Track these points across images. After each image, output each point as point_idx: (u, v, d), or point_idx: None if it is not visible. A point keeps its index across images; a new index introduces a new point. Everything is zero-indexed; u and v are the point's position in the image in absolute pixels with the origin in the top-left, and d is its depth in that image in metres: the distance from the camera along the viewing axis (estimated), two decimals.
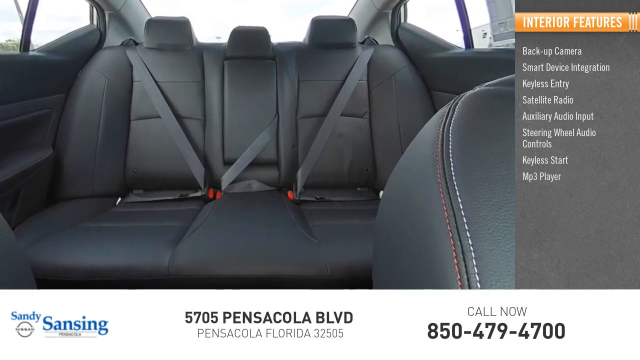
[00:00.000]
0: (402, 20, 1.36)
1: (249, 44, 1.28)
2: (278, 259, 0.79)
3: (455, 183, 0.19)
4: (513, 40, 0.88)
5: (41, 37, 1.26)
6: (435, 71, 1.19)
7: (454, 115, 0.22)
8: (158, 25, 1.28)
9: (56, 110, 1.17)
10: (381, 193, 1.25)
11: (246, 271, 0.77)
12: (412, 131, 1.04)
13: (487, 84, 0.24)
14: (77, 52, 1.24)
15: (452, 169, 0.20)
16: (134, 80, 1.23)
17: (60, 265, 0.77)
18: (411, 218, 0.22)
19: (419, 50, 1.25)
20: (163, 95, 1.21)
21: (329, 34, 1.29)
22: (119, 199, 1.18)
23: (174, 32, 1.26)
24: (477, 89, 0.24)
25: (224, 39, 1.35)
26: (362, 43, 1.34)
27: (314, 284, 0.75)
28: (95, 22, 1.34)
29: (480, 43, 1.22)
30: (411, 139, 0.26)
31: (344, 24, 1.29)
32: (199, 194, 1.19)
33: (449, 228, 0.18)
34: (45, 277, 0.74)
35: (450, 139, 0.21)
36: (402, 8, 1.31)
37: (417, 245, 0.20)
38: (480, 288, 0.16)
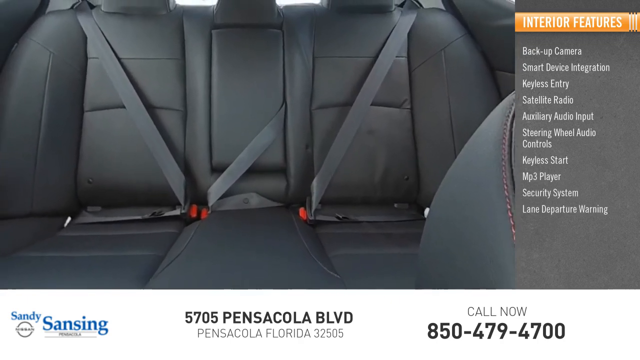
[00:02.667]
0: None
1: (247, 8, 1.37)
2: None
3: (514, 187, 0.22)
4: None
5: None
6: (500, 45, 1.23)
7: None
8: None
9: None
10: (426, 211, 1.30)
11: None
12: (469, 126, 1.10)
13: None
14: (9, 18, 1.24)
15: (512, 175, 0.22)
16: (88, 57, 1.30)
17: None
18: (468, 246, 0.24)
19: (480, 16, 1.31)
20: (129, 77, 1.29)
21: None
22: (68, 219, 1.25)
23: None
24: None
25: (212, 1, 1.44)
26: (401, 6, 1.43)
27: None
28: None
29: None
30: (468, 137, 0.28)
31: None
32: (177, 212, 1.27)
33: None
34: None
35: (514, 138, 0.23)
36: None
37: (476, 282, 0.23)
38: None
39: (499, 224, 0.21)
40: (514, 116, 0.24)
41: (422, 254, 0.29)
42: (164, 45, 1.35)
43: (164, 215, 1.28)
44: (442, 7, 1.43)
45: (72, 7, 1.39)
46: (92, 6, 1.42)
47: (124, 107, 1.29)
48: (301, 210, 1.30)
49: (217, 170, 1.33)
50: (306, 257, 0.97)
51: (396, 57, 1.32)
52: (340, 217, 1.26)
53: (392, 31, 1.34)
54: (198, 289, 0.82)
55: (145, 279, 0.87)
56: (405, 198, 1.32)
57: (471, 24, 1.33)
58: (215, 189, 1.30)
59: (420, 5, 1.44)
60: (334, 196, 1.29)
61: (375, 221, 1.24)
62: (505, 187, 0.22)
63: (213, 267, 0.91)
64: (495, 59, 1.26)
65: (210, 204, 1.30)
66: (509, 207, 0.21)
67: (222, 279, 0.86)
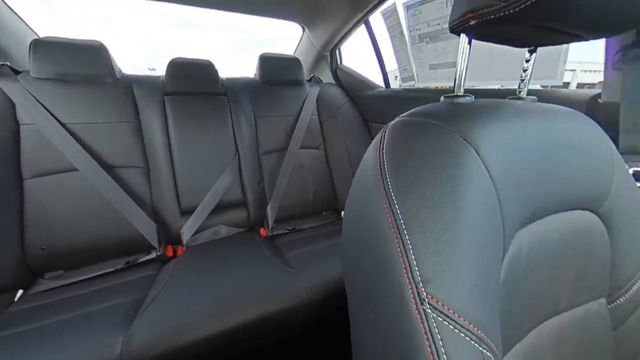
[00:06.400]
0: (339, 62, 1.45)
1: (195, 78, 1.08)
2: (259, 299, 0.71)
3: (392, 194, 0.23)
4: (413, 82, 1.15)
5: None
6: (367, 106, 1.32)
7: (384, 141, 0.27)
8: (55, 49, 0.89)
9: None
10: (342, 213, 1.34)
11: (225, 325, 0.65)
12: (358, 156, 1.18)
13: (402, 115, 0.30)
14: None
15: (389, 183, 0.24)
16: (20, 123, 0.84)
17: None
18: (367, 228, 0.25)
19: (354, 89, 1.36)
20: (78, 141, 0.88)
21: (279, 72, 1.25)
22: (20, 292, 0.79)
23: (82, 59, 0.91)
24: (397, 119, 0.29)
25: (160, 71, 1.10)
26: (309, 81, 1.37)
27: (297, 312, 0.73)
28: None
29: (394, 84, 1.48)
30: (359, 163, 0.30)
31: (292, 62, 1.27)
32: (153, 255, 0.94)
33: (393, 229, 0.22)
34: None
35: (385, 160, 0.25)
36: (337, 51, 1.41)
37: (374, 249, 0.24)
38: (418, 270, 0.21)
39: (380, 210, 0.24)
40: (381, 148, 0.27)
41: (343, 240, 0.29)
42: (114, 111, 0.95)
43: (139, 262, 0.92)
44: (333, 82, 1.46)
45: None
46: (16, 71, 0.89)
47: (75, 170, 0.87)
48: (261, 229, 1.13)
49: (187, 212, 1.02)
50: (269, 262, 0.86)
51: (311, 115, 1.25)
52: (290, 229, 1.14)
53: (306, 98, 1.27)
54: (182, 315, 0.66)
55: (128, 321, 0.65)
56: (329, 207, 1.28)
57: (351, 93, 1.38)
58: (188, 228, 1.00)
59: (321, 81, 1.41)
60: (283, 215, 1.16)
61: (313, 226, 1.17)
62: (381, 189, 0.24)
63: (193, 293, 0.72)
64: (366, 114, 1.33)
65: (184, 242, 1.00)
66: (383, 200, 0.24)
67: (203, 299, 0.70)
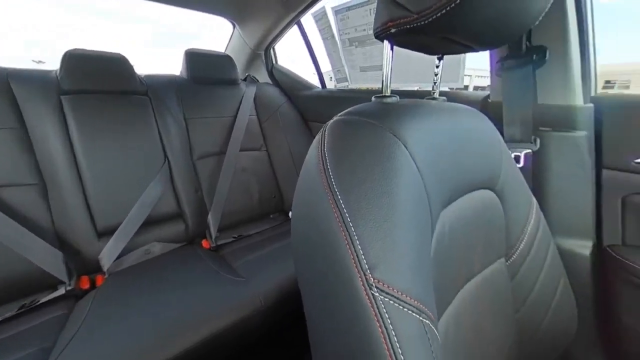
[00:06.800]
0: (274, 62, 1.35)
1: (103, 74, 0.87)
2: (208, 316, 0.63)
3: (336, 190, 0.24)
4: (347, 83, 1.16)
5: None
6: (306, 105, 1.26)
7: (325, 140, 0.27)
8: None
9: None
10: (290, 214, 1.27)
11: (170, 354, 0.55)
12: (302, 156, 1.13)
13: (339, 114, 0.30)
14: None
15: (332, 180, 0.24)
16: None
17: None
18: (316, 225, 0.25)
19: (291, 89, 1.29)
20: None
21: (210, 69, 1.10)
22: None
23: None
24: (335, 118, 0.30)
25: (51, 64, 0.85)
26: (244, 80, 1.24)
27: (252, 321, 0.67)
28: None
29: (329, 84, 1.47)
30: (302, 162, 0.30)
31: (224, 60, 1.13)
32: (61, 291, 0.73)
33: (339, 223, 0.23)
34: None
35: (327, 158, 0.26)
36: (272, 50, 1.30)
37: (324, 245, 0.24)
38: (365, 258, 0.21)
39: (325, 205, 0.24)
40: (322, 146, 0.27)
41: (293, 240, 0.29)
42: None
43: (40, 302, 0.69)
44: (269, 81, 1.36)
45: None
46: None
47: None
48: (203, 241, 0.97)
49: (106, 233, 0.81)
50: (216, 274, 0.76)
51: (249, 116, 1.13)
52: (236, 236, 1.01)
53: (242, 98, 1.14)
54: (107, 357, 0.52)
55: None
56: (276, 209, 1.18)
57: (289, 93, 1.31)
58: (108, 252, 0.79)
59: (257, 80, 1.29)
60: (227, 222, 1.02)
61: (260, 231, 1.07)
62: (325, 185, 0.24)
63: (119, 329, 0.58)
64: (305, 114, 1.27)
65: (105, 269, 0.79)
66: (328, 196, 0.24)
67: (133, 333, 0.57)
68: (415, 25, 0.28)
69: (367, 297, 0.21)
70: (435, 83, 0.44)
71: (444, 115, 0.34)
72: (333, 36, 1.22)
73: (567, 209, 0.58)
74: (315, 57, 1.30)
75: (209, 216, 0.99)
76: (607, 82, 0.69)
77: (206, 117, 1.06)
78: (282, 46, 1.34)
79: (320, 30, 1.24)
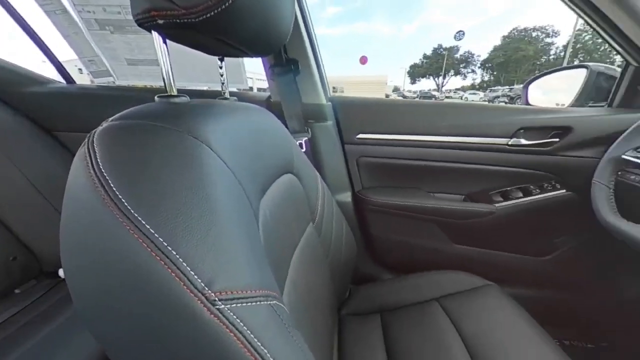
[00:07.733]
0: None
1: None
2: None
3: (136, 215, 0.19)
4: (112, 79, 1.00)
5: None
6: (43, 109, 0.87)
7: (96, 154, 0.21)
8: None
9: None
10: (60, 272, 0.86)
11: None
12: (48, 179, 0.79)
13: (111, 119, 0.24)
14: None
15: (126, 205, 0.19)
16: None
17: None
18: (114, 272, 0.19)
19: (7, 84, 0.83)
20: None
21: None
22: None
23: None
24: (106, 124, 0.23)
25: None
26: None
27: None
28: None
29: (81, 79, 1.08)
30: (56, 191, 0.29)
31: None
32: None
33: (152, 253, 0.18)
34: None
35: (106, 177, 0.20)
36: None
37: (136, 289, 0.19)
38: (198, 276, 0.19)
39: (128, 243, 0.19)
40: (94, 163, 0.21)
41: (80, 309, 0.22)
42: None
43: None
44: None
45: None
46: None
47: None
48: None
49: None
50: None
51: None
52: None
53: None
54: None
55: None
56: (25, 276, 0.75)
57: (1, 92, 0.82)
58: None
59: None
60: None
61: (7, 318, 0.66)
62: (116, 215, 0.19)
63: None
64: (46, 122, 0.87)
65: None
66: (128, 229, 0.19)
67: None
68: (185, 20, 0.25)
69: (212, 315, 0.19)
70: (223, 84, 0.46)
71: (239, 114, 0.35)
72: (65, 10, 0.90)
73: (334, 174, 0.84)
74: (40, 38, 0.91)
75: None
76: (334, 88, 1.05)
77: None
78: None
79: None
